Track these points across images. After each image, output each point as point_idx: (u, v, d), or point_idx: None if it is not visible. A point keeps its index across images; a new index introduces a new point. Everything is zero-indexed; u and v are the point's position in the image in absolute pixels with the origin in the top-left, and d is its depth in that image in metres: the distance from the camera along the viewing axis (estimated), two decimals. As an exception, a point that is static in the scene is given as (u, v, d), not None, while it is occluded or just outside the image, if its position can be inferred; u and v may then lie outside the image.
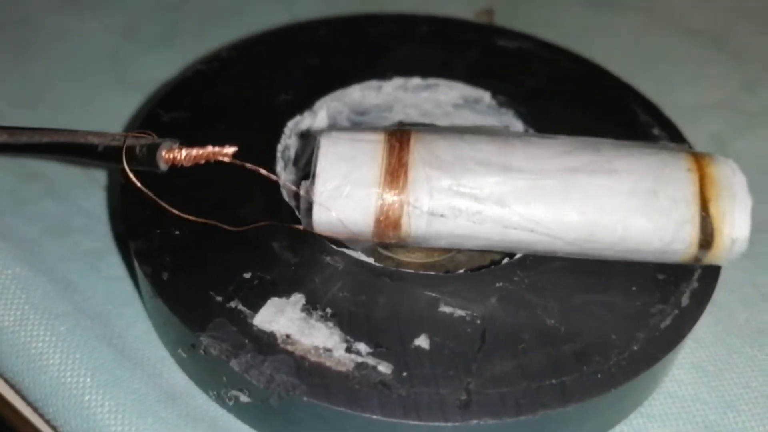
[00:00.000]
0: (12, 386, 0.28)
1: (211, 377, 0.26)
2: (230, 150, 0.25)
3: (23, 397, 0.28)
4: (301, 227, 0.27)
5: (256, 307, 0.26)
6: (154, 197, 0.25)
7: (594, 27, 0.46)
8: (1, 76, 0.38)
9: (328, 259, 0.27)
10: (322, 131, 0.27)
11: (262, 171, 0.26)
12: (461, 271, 0.28)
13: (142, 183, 0.26)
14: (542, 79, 0.35)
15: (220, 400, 0.27)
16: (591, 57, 0.37)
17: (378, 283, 0.27)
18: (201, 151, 0.25)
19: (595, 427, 0.27)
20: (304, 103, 0.33)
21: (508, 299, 0.27)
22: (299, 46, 0.36)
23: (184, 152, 0.25)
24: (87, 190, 0.34)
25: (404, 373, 0.25)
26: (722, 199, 0.26)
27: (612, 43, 0.44)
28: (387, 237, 0.26)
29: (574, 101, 0.35)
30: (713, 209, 0.26)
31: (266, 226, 0.28)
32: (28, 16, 0.42)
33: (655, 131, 0.33)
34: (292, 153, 0.32)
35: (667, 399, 0.29)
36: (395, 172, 0.26)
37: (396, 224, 0.26)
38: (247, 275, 0.27)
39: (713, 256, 0.26)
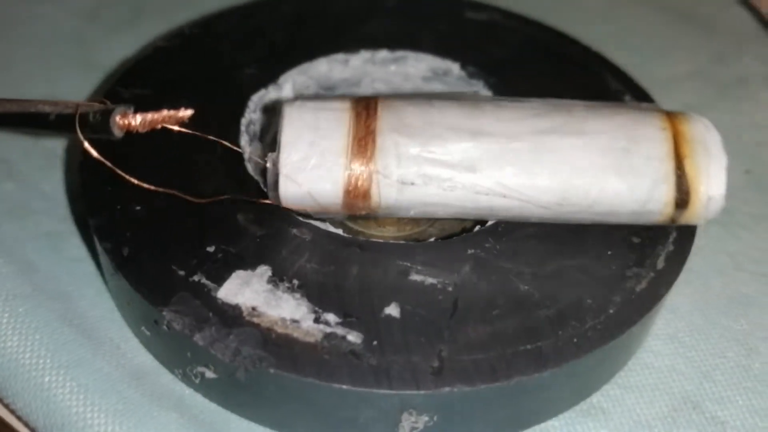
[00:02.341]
0: None
1: (175, 354, 0.25)
2: (186, 113, 0.24)
3: None
4: (268, 202, 0.26)
5: (220, 281, 0.25)
6: (110, 165, 0.24)
7: (561, 0, 0.45)
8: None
9: (294, 231, 0.27)
10: (287, 100, 0.26)
11: (225, 143, 0.25)
12: (432, 239, 0.27)
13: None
14: (511, 50, 0.35)
15: (186, 378, 0.26)
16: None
17: (347, 253, 0.26)
18: (156, 116, 0.24)
19: (571, 396, 0.26)
20: (269, 77, 0.32)
21: (480, 266, 0.26)
22: (263, 22, 0.35)
23: (138, 117, 0.24)
24: (47, 173, 0.33)
25: (374, 342, 0.24)
26: (697, 155, 0.25)
27: (580, 17, 0.44)
28: (357, 208, 0.25)
29: (544, 71, 0.34)
30: (688, 167, 0.25)
31: (230, 202, 0.27)
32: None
33: (627, 98, 0.33)
34: (257, 127, 0.32)
35: (643, 370, 0.28)
36: (363, 140, 0.25)
37: (366, 194, 0.25)
38: (211, 249, 0.26)
39: (690, 215, 0.26)
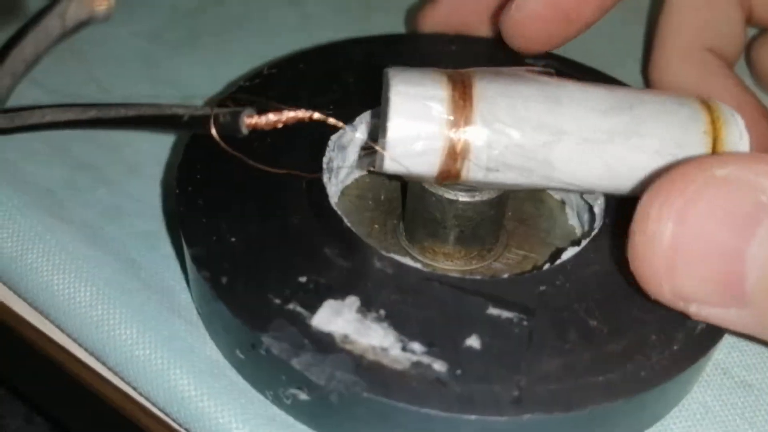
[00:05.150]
0: (92, 354, 0.31)
1: (269, 377, 0.27)
2: (308, 114, 0.27)
3: (103, 363, 0.31)
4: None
5: (313, 309, 0.27)
6: (235, 152, 0.27)
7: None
8: (47, 75, 0.40)
9: (378, 264, 0.29)
10: (394, 75, 0.29)
11: (332, 120, 0.28)
12: (505, 275, 0.29)
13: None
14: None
15: (277, 400, 0.28)
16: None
17: (427, 286, 0.28)
18: (279, 116, 0.27)
19: (640, 421, 0.28)
20: (344, 118, 0.35)
21: (551, 302, 0.28)
22: (336, 65, 0.38)
23: (264, 117, 0.27)
24: (132, 179, 0.37)
25: (458, 371, 0.26)
26: None
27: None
28: (447, 180, 0.29)
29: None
30: None
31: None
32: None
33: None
34: (334, 165, 0.34)
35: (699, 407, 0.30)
36: (460, 124, 0.28)
37: (456, 176, 0.29)
38: (303, 279, 0.28)
39: None
